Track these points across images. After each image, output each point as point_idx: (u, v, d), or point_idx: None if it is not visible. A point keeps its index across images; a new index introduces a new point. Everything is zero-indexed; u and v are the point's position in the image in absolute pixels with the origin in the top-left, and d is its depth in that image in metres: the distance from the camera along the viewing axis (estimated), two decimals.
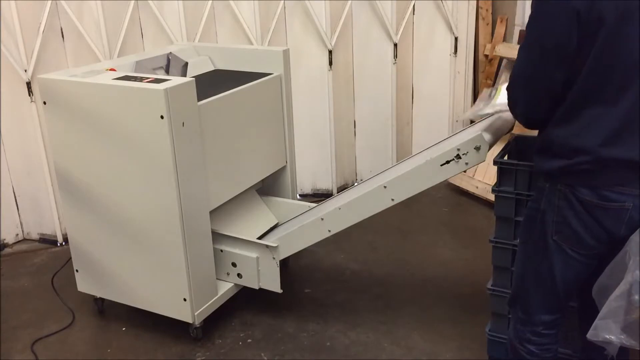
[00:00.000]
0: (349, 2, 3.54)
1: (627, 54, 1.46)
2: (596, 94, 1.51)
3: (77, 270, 2.60)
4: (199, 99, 2.27)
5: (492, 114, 2.19)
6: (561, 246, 1.65)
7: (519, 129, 2.19)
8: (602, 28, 1.44)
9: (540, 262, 1.71)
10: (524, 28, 1.61)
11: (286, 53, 2.74)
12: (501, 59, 3.82)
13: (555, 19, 1.48)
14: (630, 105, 1.50)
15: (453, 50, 3.84)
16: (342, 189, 3.60)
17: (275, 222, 2.81)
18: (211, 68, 2.89)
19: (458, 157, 2.07)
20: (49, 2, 3.02)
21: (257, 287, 2.54)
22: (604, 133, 1.52)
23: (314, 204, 2.62)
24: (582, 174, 1.56)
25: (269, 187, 2.93)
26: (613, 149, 1.52)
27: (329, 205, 2.46)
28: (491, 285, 2.20)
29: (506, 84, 1.71)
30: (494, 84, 3.81)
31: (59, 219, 3.33)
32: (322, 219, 2.42)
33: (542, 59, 1.53)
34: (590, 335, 1.51)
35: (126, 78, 2.26)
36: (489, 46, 3.89)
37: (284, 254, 2.51)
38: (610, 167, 1.54)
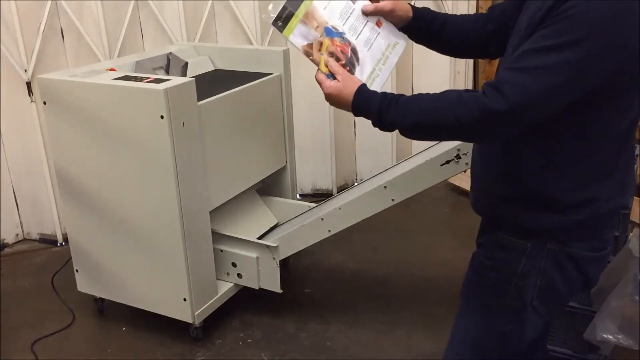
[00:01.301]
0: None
1: None
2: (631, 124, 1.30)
3: (77, 270, 2.60)
4: (199, 99, 2.27)
5: None
6: (539, 310, 1.43)
7: None
8: None
9: (510, 329, 1.46)
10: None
11: (286, 53, 2.74)
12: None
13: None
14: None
15: None
16: (342, 189, 3.60)
17: (275, 222, 2.81)
18: (211, 68, 2.89)
19: (458, 157, 2.08)
20: (49, 2, 3.03)
21: (257, 287, 2.54)
22: (624, 177, 1.35)
23: (314, 204, 2.62)
24: (580, 229, 1.35)
25: (269, 187, 2.93)
26: (626, 195, 1.37)
27: (329, 205, 2.47)
28: None
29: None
30: None
31: (59, 219, 3.33)
32: (322, 219, 2.43)
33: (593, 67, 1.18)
34: (587, 334, 1.50)
35: (126, 78, 2.26)
36: None
37: (284, 254, 2.51)
38: (611, 215, 1.38)
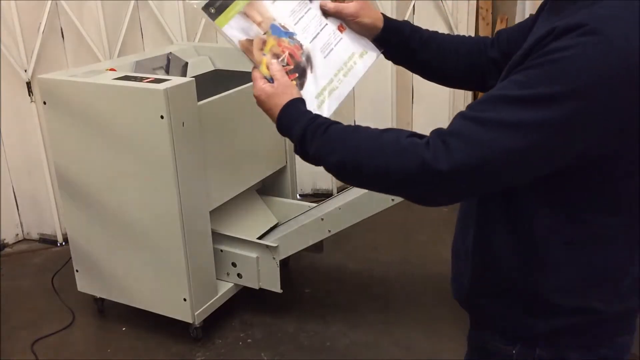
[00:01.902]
0: None
1: None
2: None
3: (77, 270, 2.60)
4: (199, 99, 2.27)
5: None
6: None
7: None
8: None
9: None
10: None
11: None
12: None
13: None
14: None
15: None
16: (342, 189, 3.59)
17: (275, 222, 2.81)
18: (211, 68, 2.89)
19: None
20: (49, 2, 3.02)
21: (257, 287, 2.54)
22: (626, 277, 1.02)
23: (314, 204, 2.62)
24: (578, 335, 1.05)
25: (269, 187, 2.93)
26: (633, 298, 1.05)
27: (329, 205, 2.47)
28: None
29: None
30: None
31: (59, 219, 3.33)
32: (322, 219, 2.43)
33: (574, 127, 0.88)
34: None
35: (126, 78, 2.26)
36: None
37: (284, 254, 2.51)
38: (619, 319, 1.07)
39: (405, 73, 3.83)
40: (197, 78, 2.36)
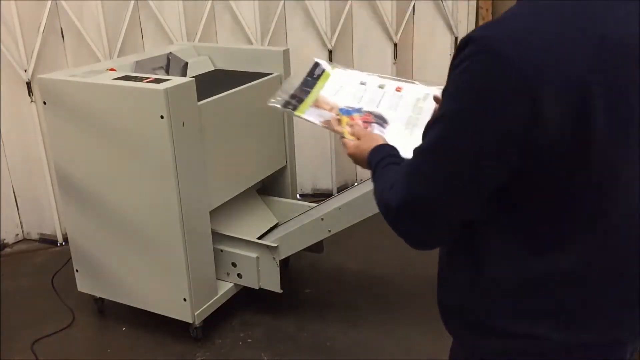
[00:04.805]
0: (349, 2, 3.54)
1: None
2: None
3: (77, 270, 2.60)
4: (199, 99, 2.27)
5: None
6: None
7: None
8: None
9: None
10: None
11: (286, 53, 2.74)
12: None
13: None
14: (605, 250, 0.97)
15: (453, 50, 3.84)
16: (342, 189, 3.60)
17: (275, 222, 2.81)
18: (211, 68, 2.89)
19: None
20: (49, 2, 3.02)
21: (257, 287, 2.54)
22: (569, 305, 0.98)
23: (314, 204, 2.62)
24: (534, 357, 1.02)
25: (269, 187, 2.93)
26: (584, 332, 0.99)
27: (329, 205, 2.47)
28: None
29: None
30: None
31: (59, 219, 3.33)
32: (322, 219, 2.43)
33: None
34: None
35: (126, 78, 2.26)
36: None
37: (284, 254, 2.51)
38: (582, 350, 1.00)
39: (406, 73, 3.84)
40: (197, 78, 2.36)
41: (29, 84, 3.11)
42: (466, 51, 0.87)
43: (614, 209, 0.95)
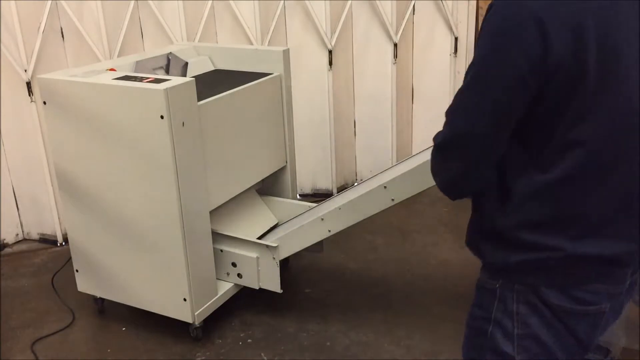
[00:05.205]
0: (349, 2, 3.54)
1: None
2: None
3: (77, 270, 2.60)
4: (199, 99, 2.27)
5: None
6: None
7: None
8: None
9: None
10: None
11: (286, 53, 2.74)
12: None
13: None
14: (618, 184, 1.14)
15: (453, 50, 3.84)
16: (342, 189, 3.60)
17: (275, 222, 2.81)
18: (211, 68, 2.89)
19: None
20: (49, 2, 3.02)
21: (257, 287, 2.54)
22: (576, 223, 1.15)
23: (314, 204, 2.62)
24: (546, 271, 1.18)
25: (269, 187, 2.93)
26: (588, 245, 1.15)
27: (329, 205, 2.47)
28: None
29: None
30: None
31: (59, 219, 3.33)
32: (322, 219, 2.43)
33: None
34: None
35: (126, 78, 2.26)
36: None
37: (284, 254, 2.51)
38: (585, 263, 1.17)
39: (405, 73, 3.85)
40: (197, 78, 2.36)
41: (29, 84, 3.10)
42: (491, 10, 1.10)
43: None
